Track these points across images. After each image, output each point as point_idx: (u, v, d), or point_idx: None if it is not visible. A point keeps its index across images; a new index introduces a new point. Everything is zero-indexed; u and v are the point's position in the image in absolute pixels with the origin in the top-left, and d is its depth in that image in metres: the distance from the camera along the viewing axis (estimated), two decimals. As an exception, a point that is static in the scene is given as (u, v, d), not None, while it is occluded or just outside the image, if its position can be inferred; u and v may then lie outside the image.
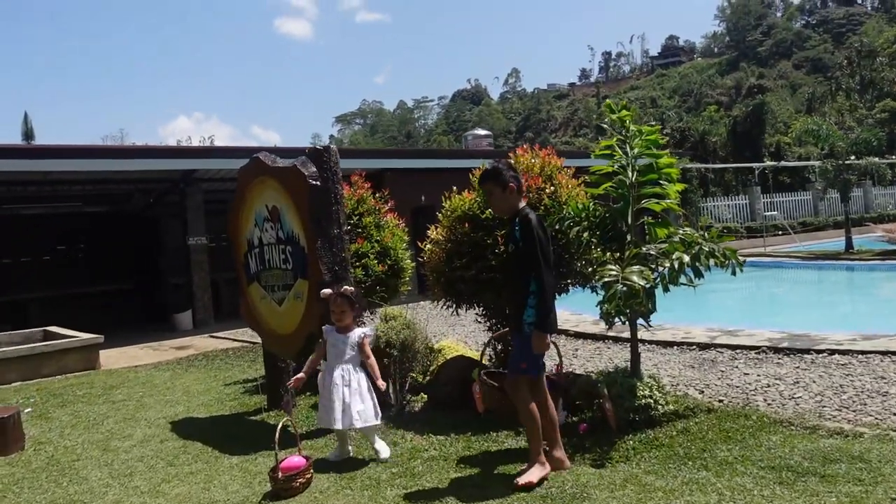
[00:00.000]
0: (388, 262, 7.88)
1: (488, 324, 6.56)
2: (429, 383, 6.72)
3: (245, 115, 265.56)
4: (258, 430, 6.41)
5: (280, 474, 4.64)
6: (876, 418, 5.45)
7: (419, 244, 6.83)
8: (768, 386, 6.61)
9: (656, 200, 5.61)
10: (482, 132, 26.03)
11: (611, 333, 8.96)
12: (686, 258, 5.46)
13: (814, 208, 32.12)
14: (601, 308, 5.35)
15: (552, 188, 6.02)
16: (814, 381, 6.61)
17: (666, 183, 5.44)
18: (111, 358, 11.74)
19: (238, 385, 8.60)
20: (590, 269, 5.86)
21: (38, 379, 10.21)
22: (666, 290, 5.42)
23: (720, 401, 6.25)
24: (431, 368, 6.78)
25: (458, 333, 11.35)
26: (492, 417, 5.76)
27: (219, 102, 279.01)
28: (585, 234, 5.64)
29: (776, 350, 7.94)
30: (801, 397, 6.17)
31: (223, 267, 15.89)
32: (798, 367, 7.19)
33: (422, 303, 12.76)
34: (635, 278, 4.97)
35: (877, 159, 21.21)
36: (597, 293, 5.85)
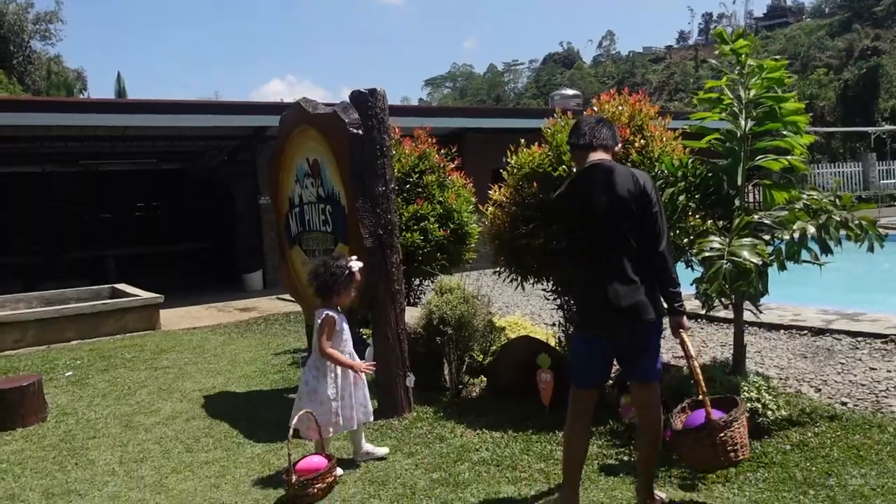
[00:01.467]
0: (452, 226, 6.99)
1: (558, 302, 5.56)
2: (489, 366, 5.82)
3: (337, 78, 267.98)
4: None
5: (294, 477, 3.86)
6: None
7: (480, 208, 5.88)
8: (899, 388, 5.41)
9: (774, 157, 4.48)
10: (570, 92, 24.59)
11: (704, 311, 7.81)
12: (811, 229, 4.35)
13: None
14: (698, 287, 4.31)
15: (642, 141, 4.95)
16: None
17: (790, 135, 4.29)
18: (174, 318, 11.36)
19: (287, 355, 7.94)
20: (685, 241, 4.79)
21: (96, 338, 9.86)
22: (782, 268, 4.33)
23: (843, 403, 5.11)
24: (493, 348, 5.87)
25: (533, 306, 10.38)
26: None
27: (312, 66, 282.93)
28: (682, 198, 4.57)
29: (874, 336, 6.66)
30: (949, 405, 4.96)
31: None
32: (937, 365, 5.92)
33: (488, 271, 11.84)
34: (746, 254, 3.90)
35: None
36: (692, 269, 4.80)
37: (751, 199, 4.88)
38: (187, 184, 19.57)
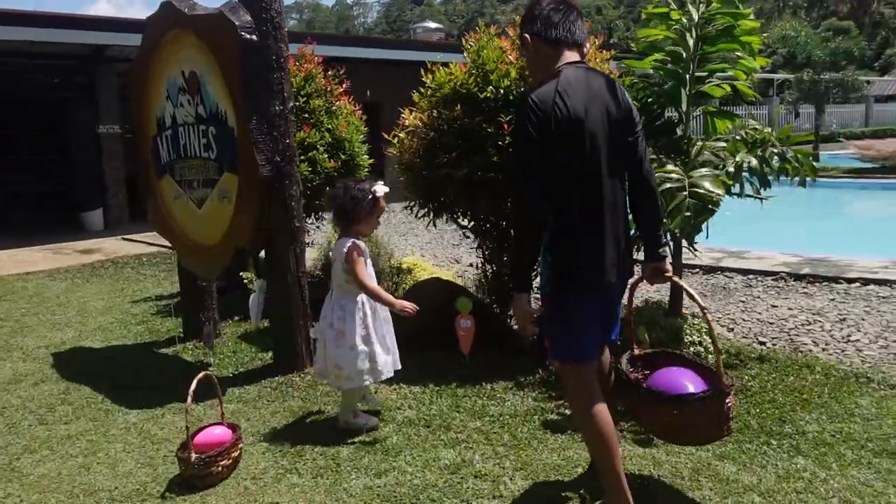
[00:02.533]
0: (342, 156, 6.27)
1: (478, 242, 5.04)
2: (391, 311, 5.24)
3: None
4: (170, 368, 4.88)
5: (193, 455, 3.15)
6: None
7: (385, 136, 5.20)
8: (809, 323, 5.41)
9: (718, 83, 4.14)
10: (433, 25, 23.89)
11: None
12: (753, 161, 4.08)
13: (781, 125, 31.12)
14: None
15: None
16: (863, 319, 5.43)
17: (745, 57, 3.94)
18: None
19: (149, 303, 6.98)
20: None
21: None
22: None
23: (762, 343, 5.01)
24: (397, 294, 5.30)
25: (412, 245, 9.87)
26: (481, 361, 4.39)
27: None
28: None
29: (798, 277, 6.75)
30: (858, 340, 4.98)
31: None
32: (834, 301, 6.00)
33: (393, 205, 11.13)
34: (708, 185, 3.55)
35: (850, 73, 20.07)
36: None
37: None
38: (16, 110, 17.18)
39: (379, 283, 5.04)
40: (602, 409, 2.59)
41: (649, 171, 2.68)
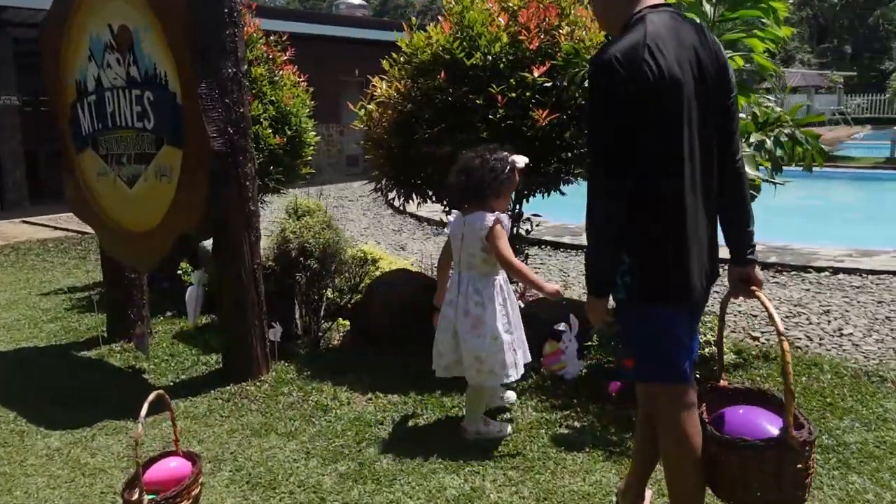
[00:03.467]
0: (288, 132, 5.60)
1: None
2: (357, 307, 4.67)
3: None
4: (95, 376, 4.16)
5: (145, 497, 2.51)
6: None
7: (351, 107, 4.58)
8: (793, 315, 5.15)
9: (737, 52, 3.74)
10: (356, 1, 22.98)
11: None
12: (768, 142, 3.71)
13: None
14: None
15: (568, 28, 3.97)
16: (846, 311, 5.21)
17: (772, 24, 3.53)
18: None
19: (61, 296, 6.12)
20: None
21: None
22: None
23: (754, 338, 4.69)
24: (361, 286, 4.72)
25: (349, 231, 9.23)
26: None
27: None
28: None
29: (765, 266, 6.52)
30: (851, 334, 4.72)
31: (44, 135, 12.57)
32: (810, 291, 5.78)
33: (330, 187, 10.38)
34: (747, 168, 3.11)
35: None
36: None
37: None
38: None
39: (330, 278, 4.49)
40: (699, 443, 2.11)
41: (739, 147, 2.19)
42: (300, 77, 5.99)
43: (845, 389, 3.71)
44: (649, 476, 2.56)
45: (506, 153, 3.15)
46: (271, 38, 5.82)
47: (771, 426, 2.13)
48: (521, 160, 3.15)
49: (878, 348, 4.45)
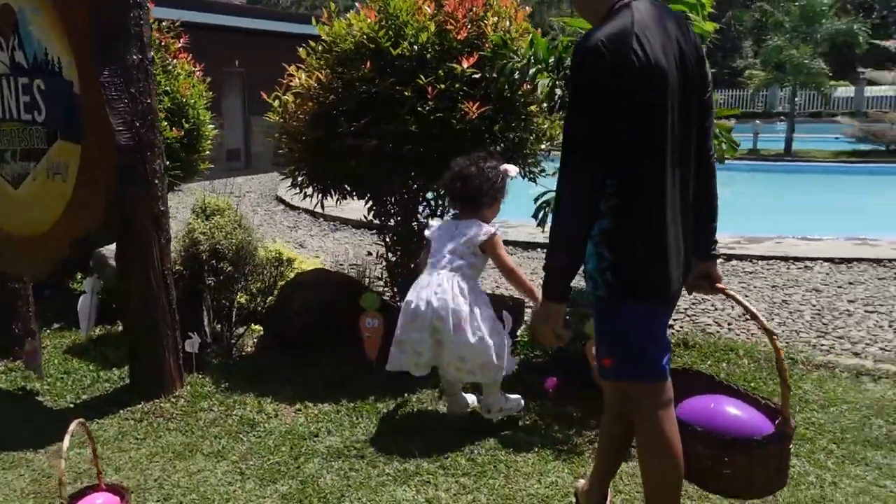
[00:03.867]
0: (186, 125, 5.23)
1: (381, 223, 4.32)
2: (271, 310, 4.42)
3: None
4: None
5: (73, 540, 2.22)
6: (883, 348, 4.34)
7: (265, 97, 4.32)
8: (699, 302, 5.33)
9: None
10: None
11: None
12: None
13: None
14: (539, 209, 3.53)
15: (494, 18, 3.88)
16: (746, 296, 5.44)
17: (697, 19, 3.57)
18: None
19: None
20: (542, 146, 3.93)
21: None
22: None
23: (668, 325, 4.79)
24: (275, 289, 4.46)
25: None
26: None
27: None
28: (558, 90, 3.66)
29: None
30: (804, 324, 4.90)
31: None
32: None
33: (222, 181, 9.83)
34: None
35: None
36: (536, 183, 4.05)
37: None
38: None
39: (242, 281, 4.24)
40: (678, 440, 2.07)
41: (712, 143, 2.16)
42: (194, 66, 5.62)
43: (764, 373, 3.85)
44: (613, 476, 2.52)
45: (496, 162, 3.22)
46: (163, 23, 5.42)
47: (752, 418, 2.18)
48: (513, 170, 3.26)
49: (783, 331, 4.67)
